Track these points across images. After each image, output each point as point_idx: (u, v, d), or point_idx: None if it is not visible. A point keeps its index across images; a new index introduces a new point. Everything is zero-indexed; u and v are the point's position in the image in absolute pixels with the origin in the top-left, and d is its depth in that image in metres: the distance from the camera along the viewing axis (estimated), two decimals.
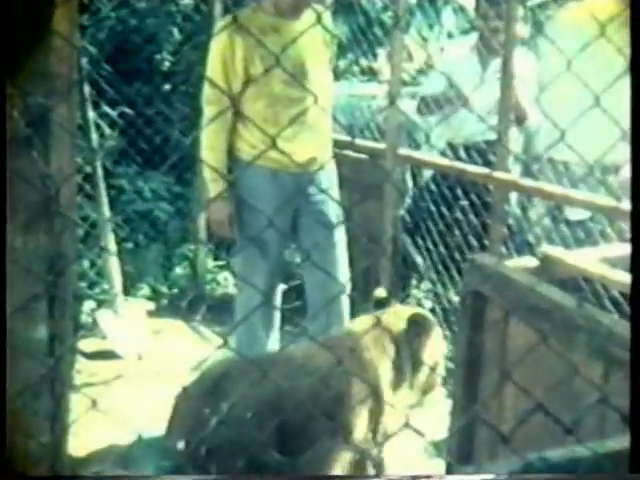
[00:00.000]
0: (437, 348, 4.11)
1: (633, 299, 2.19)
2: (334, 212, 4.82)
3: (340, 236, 4.87)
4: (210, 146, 4.59)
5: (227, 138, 4.58)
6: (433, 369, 4.03)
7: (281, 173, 4.64)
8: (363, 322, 3.99)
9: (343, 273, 4.88)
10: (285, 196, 4.63)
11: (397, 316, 4.02)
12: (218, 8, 6.44)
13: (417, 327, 3.96)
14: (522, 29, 5.95)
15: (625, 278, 3.12)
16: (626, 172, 5.04)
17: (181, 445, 3.29)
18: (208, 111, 4.56)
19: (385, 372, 3.85)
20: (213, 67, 4.50)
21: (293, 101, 4.54)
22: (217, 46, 4.50)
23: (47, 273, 1.77)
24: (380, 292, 4.32)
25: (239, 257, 4.89)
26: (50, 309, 1.79)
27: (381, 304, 4.17)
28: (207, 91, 4.56)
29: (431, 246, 5.57)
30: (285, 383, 3.35)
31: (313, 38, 4.60)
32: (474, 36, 6.03)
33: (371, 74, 7.32)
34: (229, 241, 5.21)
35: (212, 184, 4.62)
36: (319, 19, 3.14)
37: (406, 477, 4.23)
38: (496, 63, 5.74)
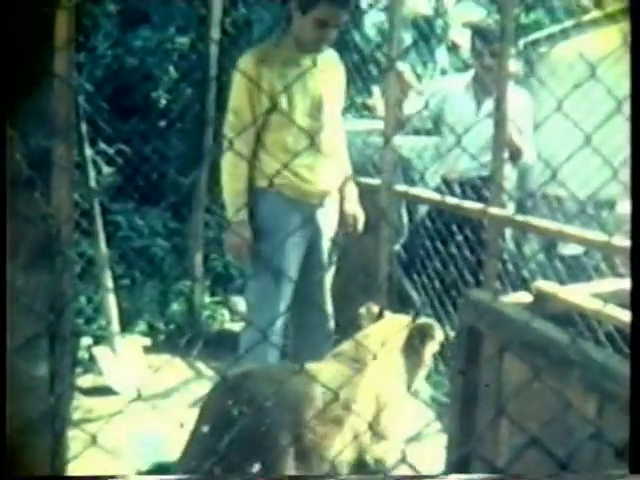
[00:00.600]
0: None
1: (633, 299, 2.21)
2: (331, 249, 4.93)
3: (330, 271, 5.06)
4: (231, 172, 4.70)
5: (247, 165, 4.69)
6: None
7: (299, 202, 4.75)
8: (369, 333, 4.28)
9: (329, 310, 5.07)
10: (301, 225, 4.78)
11: (396, 325, 4.31)
12: (214, 47, 6.50)
13: (422, 335, 4.27)
14: (515, 66, 6.02)
15: (619, 313, 3.15)
16: (622, 207, 5.08)
17: (205, 429, 3.49)
18: (230, 138, 4.68)
19: (393, 378, 4.10)
20: (237, 96, 4.63)
21: (312, 132, 4.69)
22: (241, 76, 4.65)
23: (49, 311, 1.80)
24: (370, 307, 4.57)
25: (253, 283, 4.89)
26: (51, 347, 1.81)
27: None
28: (230, 119, 4.66)
29: (426, 281, 5.60)
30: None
31: (330, 73, 4.84)
32: (468, 73, 6.10)
33: (366, 111, 7.37)
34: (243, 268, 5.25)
35: (232, 208, 4.72)
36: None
37: (406, 477, 4.24)
38: (490, 100, 5.80)
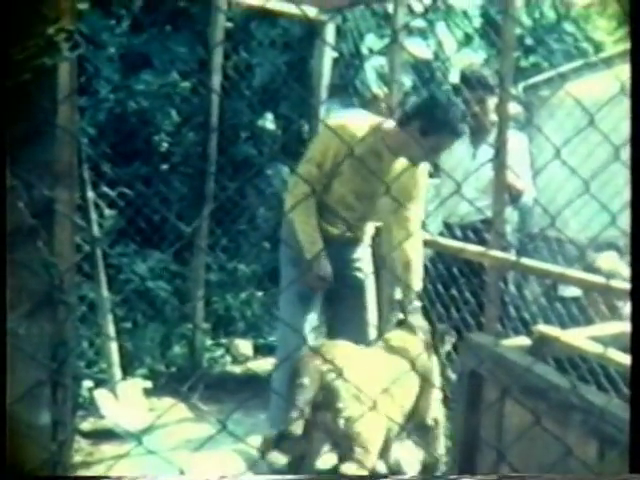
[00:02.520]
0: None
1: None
2: None
3: None
4: (306, 213, 4.91)
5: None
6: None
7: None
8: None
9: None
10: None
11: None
12: (216, 90, 6.55)
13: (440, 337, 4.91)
14: (515, 109, 6.06)
15: (619, 356, 3.15)
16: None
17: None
18: (303, 187, 4.97)
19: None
20: (319, 151, 4.86)
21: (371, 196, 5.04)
22: (328, 139, 4.83)
23: (51, 360, 1.80)
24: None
25: (285, 304, 5.19)
26: (53, 395, 1.82)
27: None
28: (307, 169, 4.88)
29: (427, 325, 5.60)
30: None
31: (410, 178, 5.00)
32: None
33: None
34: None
35: (310, 246, 4.89)
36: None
37: (406, 477, 4.25)
38: (488, 142, 5.84)
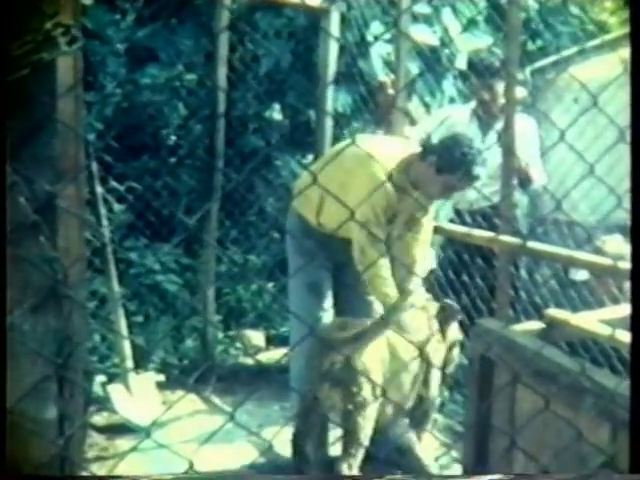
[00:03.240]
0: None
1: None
2: None
3: None
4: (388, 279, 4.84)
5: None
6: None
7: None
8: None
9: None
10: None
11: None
12: (222, 83, 6.54)
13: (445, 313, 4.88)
14: (522, 93, 6.04)
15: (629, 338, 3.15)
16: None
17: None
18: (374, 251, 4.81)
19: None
20: (371, 212, 4.77)
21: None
22: (369, 196, 4.66)
23: (57, 355, 1.80)
24: None
25: (294, 294, 5.24)
26: (60, 390, 1.82)
27: None
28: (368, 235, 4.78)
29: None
30: None
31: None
32: (472, 102, 6.12)
33: None
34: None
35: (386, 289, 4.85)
36: None
37: (407, 477, 4.27)
38: (496, 127, 5.83)
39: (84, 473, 2.00)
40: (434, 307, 4.94)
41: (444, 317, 4.87)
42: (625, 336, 3.19)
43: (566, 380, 3.00)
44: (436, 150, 4.76)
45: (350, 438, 4.42)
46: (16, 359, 1.70)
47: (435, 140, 5.47)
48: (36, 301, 1.77)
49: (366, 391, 4.37)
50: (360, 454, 4.42)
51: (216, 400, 6.00)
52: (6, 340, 1.69)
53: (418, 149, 4.91)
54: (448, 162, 4.65)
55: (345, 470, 4.36)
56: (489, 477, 2.62)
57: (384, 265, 4.79)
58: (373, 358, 4.45)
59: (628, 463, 2.52)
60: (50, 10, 1.82)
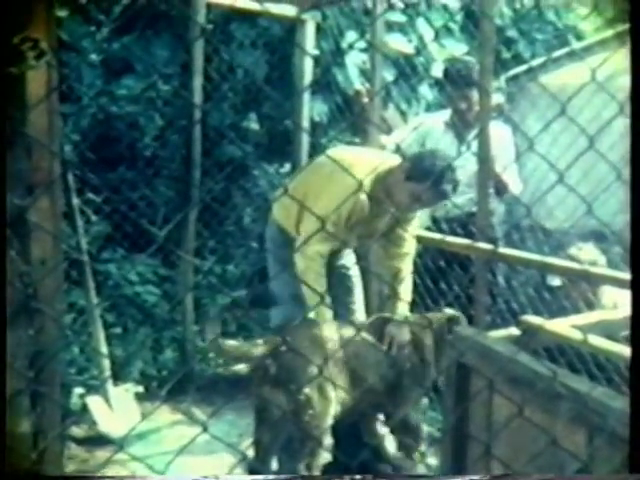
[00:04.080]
0: None
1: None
2: None
3: None
4: (317, 274, 4.79)
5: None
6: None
7: None
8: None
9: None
10: None
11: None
12: (198, 93, 6.56)
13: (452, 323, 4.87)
14: (497, 101, 6.07)
15: (604, 343, 3.17)
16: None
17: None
18: (315, 247, 4.76)
19: None
20: (331, 210, 4.61)
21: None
22: (336, 197, 4.58)
23: (29, 368, 1.80)
24: None
25: (282, 284, 5.16)
26: (33, 403, 1.82)
27: None
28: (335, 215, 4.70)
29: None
30: None
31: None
32: (448, 110, 6.15)
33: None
34: None
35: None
36: None
37: (407, 477, 4.29)
38: (472, 135, 5.85)
39: None
40: (435, 317, 5.02)
41: (449, 326, 4.82)
42: (598, 341, 3.22)
43: (541, 386, 3.01)
44: (411, 159, 4.76)
45: (303, 438, 4.48)
46: None
47: (410, 149, 5.50)
48: (7, 315, 1.77)
49: (308, 388, 4.41)
50: (318, 453, 4.47)
51: (195, 410, 6.00)
52: (6, 341, 1.69)
53: (395, 160, 4.90)
54: (418, 170, 4.64)
55: (303, 470, 4.41)
56: (484, 476, 2.64)
57: (321, 264, 4.79)
58: (315, 355, 4.47)
59: (603, 468, 2.54)
60: (18, 24, 1.82)
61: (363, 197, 4.73)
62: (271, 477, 4.25)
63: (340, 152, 5.23)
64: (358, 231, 4.95)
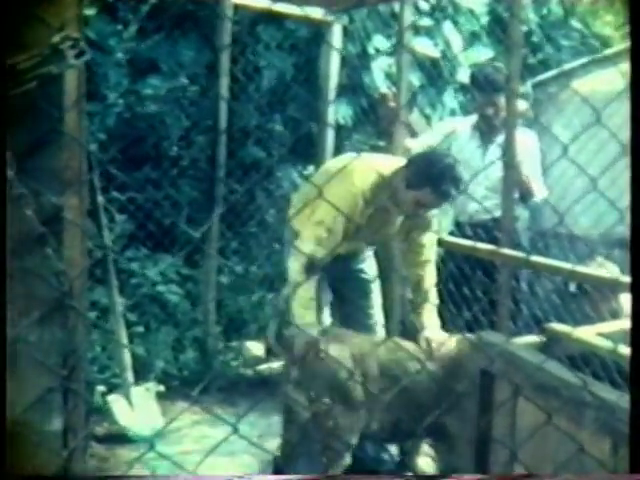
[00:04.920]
0: None
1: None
2: None
3: None
4: (306, 285, 4.68)
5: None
6: None
7: None
8: None
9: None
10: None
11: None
12: (224, 93, 6.57)
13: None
14: (523, 107, 6.05)
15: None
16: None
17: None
18: (309, 248, 4.67)
19: None
20: (330, 216, 4.63)
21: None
22: (338, 201, 4.53)
23: (62, 366, 1.81)
24: None
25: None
26: (65, 401, 1.82)
27: None
28: (317, 232, 4.67)
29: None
30: None
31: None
32: (474, 116, 6.13)
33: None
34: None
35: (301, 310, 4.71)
36: None
37: (406, 477, 4.28)
38: (498, 141, 5.83)
39: None
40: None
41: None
42: (625, 350, 3.20)
43: (567, 394, 3.00)
44: (408, 165, 4.73)
45: (323, 446, 4.48)
46: (21, 371, 1.70)
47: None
48: (42, 313, 1.77)
49: (330, 399, 4.40)
50: (336, 464, 4.44)
51: (217, 410, 6.00)
52: (6, 345, 1.70)
53: (400, 163, 4.88)
54: (416, 178, 4.60)
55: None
56: (483, 476, 2.63)
57: (312, 267, 4.69)
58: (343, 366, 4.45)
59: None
60: (57, 23, 1.83)
61: (361, 202, 4.69)
62: (297, 477, 4.24)
63: (345, 158, 5.24)
64: (364, 236, 4.93)
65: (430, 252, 5.04)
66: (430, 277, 5.03)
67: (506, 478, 3.18)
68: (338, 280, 5.16)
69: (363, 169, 4.74)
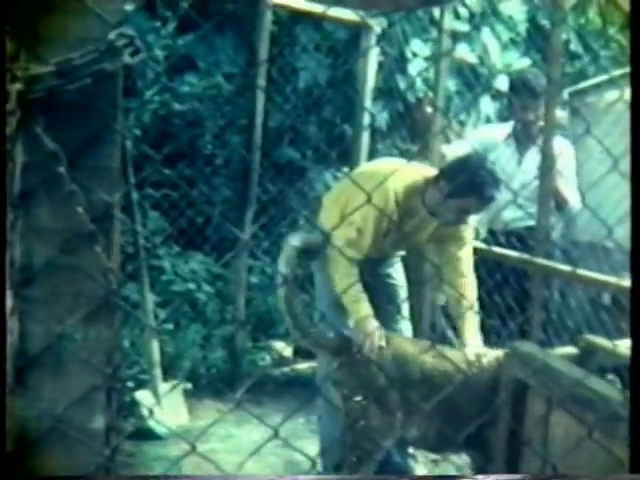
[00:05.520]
0: None
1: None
2: None
3: None
4: (347, 280, 4.65)
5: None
6: None
7: None
8: None
9: None
10: None
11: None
12: (261, 93, 6.58)
13: None
14: (560, 115, 6.02)
15: None
16: None
17: None
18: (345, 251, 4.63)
19: None
20: (360, 216, 4.58)
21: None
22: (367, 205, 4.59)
23: (106, 365, 1.81)
24: None
25: (324, 310, 5.07)
26: (108, 400, 1.82)
27: None
28: (346, 233, 4.64)
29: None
30: None
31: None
32: (510, 123, 6.11)
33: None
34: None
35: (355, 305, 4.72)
36: None
37: (406, 477, 4.25)
38: (532, 149, 5.81)
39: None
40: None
41: None
42: None
43: (602, 407, 2.98)
44: (445, 174, 4.64)
45: (353, 443, 4.43)
46: (67, 368, 1.70)
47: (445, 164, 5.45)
48: (89, 311, 1.77)
49: (365, 399, 4.37)
50: (368, 462, 4.42)
51: (243, 412, 6.00)
52: (6, 340, 1.70)
53: (429, 171, 4.84)
54: (458, 186, 4.48)
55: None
56: (488, 476, 2.61)
57: (354, 271, 4.67)
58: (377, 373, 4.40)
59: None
60: (114, 20, 1.83)
61: (392, 206, 4.65)
62: (336, 477, 4.24)
63: (379, 162, 5.22)
64: (394, 241, 4.89)
65: (468, 265, 4.96)
66: (471, 290, 4.95)
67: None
68: (365, 283, 5.13)
69: (397, 173, 4.71)
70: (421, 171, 4.85)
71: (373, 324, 4.56)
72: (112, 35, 1.82)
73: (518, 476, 3.39)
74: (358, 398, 4.37)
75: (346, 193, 4.79)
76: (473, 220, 4.93)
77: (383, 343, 4.48)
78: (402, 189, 4.69)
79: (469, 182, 4.48)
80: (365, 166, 5.61)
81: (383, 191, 4.61)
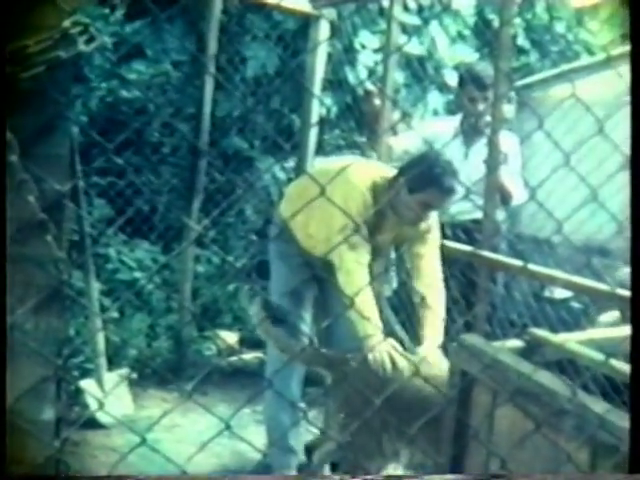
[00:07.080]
0: None
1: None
2: None
3: None
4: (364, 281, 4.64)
5: None
6: None
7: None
8: None
9: None
10: None
11: None
12: (210, 81, 6.55)
13: None
14: (506, 109, 6.05)
15: (612, 361, 3.16)
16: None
17: None
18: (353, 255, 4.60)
19: None
20: (351, 214, 4.58)
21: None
22: (350, 202, 4.60)
23: (57, 356, 1.79)
24: None
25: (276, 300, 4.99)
26: (58, 391, 1.81)
27: None
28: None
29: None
30: None
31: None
32: (458, 116, 6.14)
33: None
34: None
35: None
36: None
37: (406, 477, 4.27)
38: (479, 143, 5.84)
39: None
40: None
41: None
42: (610, 359, 3.21)
43: (548, 400, 3.01)
44: (404, 171, 4.66)
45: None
46: (16, 359, 1.68)
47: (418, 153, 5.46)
48: (39, 301, 1.75)
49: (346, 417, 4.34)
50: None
51: (187, 400, 5.99)
52: (6, 340, 1.68)
53: (389, 171, 4.84)
54: (417, 180, 4.52)
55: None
56: (481, 476, 2.63)
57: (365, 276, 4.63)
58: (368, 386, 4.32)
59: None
60: (68, 7, 1.81)
61: (366, 204, 4.65)
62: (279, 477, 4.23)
63: (341, 160, 5.24)
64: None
65: (433, 263, 4.96)
66: (436, 290, 4.95)
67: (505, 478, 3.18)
68: (321, 282, 5.08)
69: (361, 173, 4.71)
70: (382, 171, 4.86)
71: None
72: (67, 23, 1.80)
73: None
74: (341, 414, 4.34)
75: (309, 189, 4.75)
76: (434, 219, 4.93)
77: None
78: (369, 188, 4.69)
79: (428, 175, 4.51)
80: (327, 164, 5.60)
81: (355, 190, 4.61)
